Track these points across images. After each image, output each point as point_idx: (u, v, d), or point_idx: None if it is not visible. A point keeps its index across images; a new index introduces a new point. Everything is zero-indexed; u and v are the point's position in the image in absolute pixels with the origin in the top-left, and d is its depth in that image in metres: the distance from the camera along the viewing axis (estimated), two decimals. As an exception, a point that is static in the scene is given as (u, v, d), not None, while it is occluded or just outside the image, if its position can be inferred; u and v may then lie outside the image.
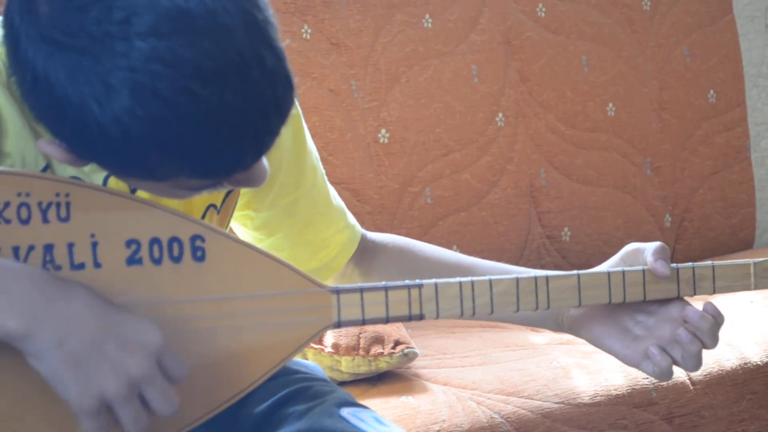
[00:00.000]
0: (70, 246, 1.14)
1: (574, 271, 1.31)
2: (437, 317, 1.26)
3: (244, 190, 1.36)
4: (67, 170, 1.19)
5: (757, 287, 1.37)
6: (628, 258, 1.36)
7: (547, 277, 1.30)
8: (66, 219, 1.14)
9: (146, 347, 1.09)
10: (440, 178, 2.59)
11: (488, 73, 2.68)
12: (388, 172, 2.53)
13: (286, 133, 1.33)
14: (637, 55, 2.89)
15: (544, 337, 2.28)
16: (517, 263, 2.48)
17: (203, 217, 1.30)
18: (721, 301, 1.39)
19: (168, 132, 1.03)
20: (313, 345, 1.97)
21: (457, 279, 1.26)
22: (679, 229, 2.93)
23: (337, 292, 1.22)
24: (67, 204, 1.14)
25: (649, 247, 1.34)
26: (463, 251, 2.50)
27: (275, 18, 1.08)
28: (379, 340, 1.98)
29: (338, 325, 1.22)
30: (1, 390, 1.13)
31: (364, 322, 1.23)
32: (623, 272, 1.33)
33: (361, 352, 1.97)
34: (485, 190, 2.65)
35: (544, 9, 2.77)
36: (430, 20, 2.62)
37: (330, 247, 1.43)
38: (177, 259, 1.17)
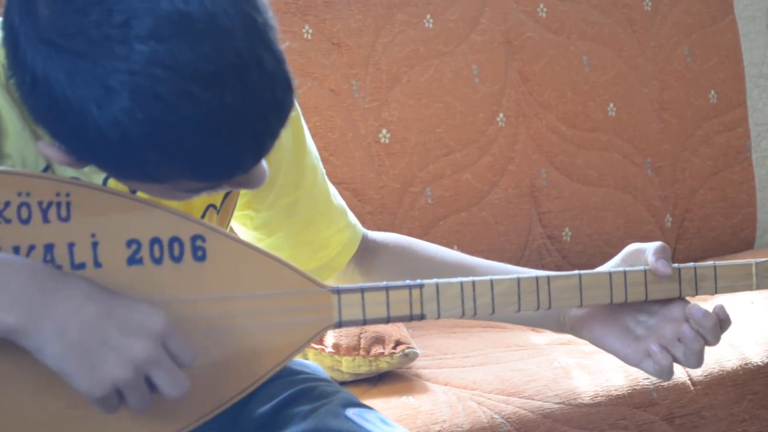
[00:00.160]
0: (71, 246, 1.14)
1: (576, 271, 1.31)
2: (438, 317, 1.26)
3: (243, 191, 1.36)
4: (66, 171, 1.19)
5: (759, 287, 1.37)
6: (629, 258, 1.36)
7: (548, 277, 1.30)
8: (66, 219, 1.14)
9: (149, 330, 1.09)
10: (441, 178, 2.59)
11: (489, 73, 2.68)
12: (388, 172, 2.53)
13: (285, 133, 1.33)
14: (638, 56, 2.89)
15: (544, 338, 2.28)
16: (517, 263, 2.48)
17: (203, 217, 1.30)
18: (722, 302, 1.39)
19: (167, 135, 1.03)
20: (313, 345, 1.97)
21: (458, 279, 1.26)
22: (680, 229, 2.93)
23: (338, 291, 1.22)
24: (68, 204, 1.14)
25: (650, 247, 1.34)
26: (463, 251, 2.50)
27: (275, 20, 1.08)
28: (379, 340, 1.98)
29: (339, 325, 1.22)
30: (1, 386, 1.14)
31: (365, 322, 1.23)
32: (625, 272, 1.33)
33: (362, 352, 1.97)
34: (486, 190, 2.65)
35: (544, 9, 2.77)
36: (430, 20, 2.62)
37: (330, 247, 1.43)
38: (178, 259, 1.17)
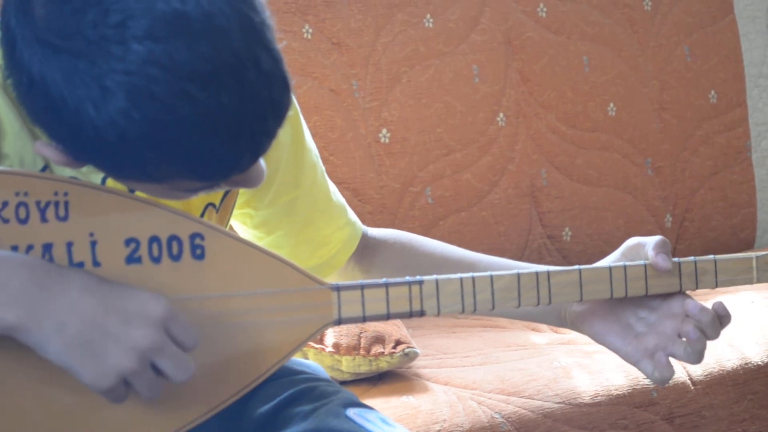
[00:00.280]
0: (69, 245, 1.14)
1: (576, 266, 1.31)
2: (438, 314, 1.26)
3: (243, 189, 1.36)
4: (65, 171, 1.19)
5: (759, 281, 1.37)
6: (629, 253, 1.35)
7: (548, 272, 1.30)
8: (64, 218, 1.14)
9: (149, 318, 1.09)
10: (441, 178, 2.59)
11: (489, 73, 2.68)
12: (389, 171, 2.53)
13: (284, 132, 1.33)
14: (638, 55, 2.89)
15: (544, 337, 2.28)
16: (517, 263, 2.48)
17: (202, 216, 1.30)
18: (722, 301, 1.39)
19: (164, 134, 1.03)
20: (313, 345, 1.97)
21: (458, 275, 1.26)
22: (680, 229, 2.93)
23: (338, 289, 1.22)
24: (66, 203, 1.14)
25: (650, 242, 1.34)
26: (463, 251, 2.50)
27: (272, 20, 1.08)
28: (379, 339, 1.98)
29: (339, 322, 1.22)
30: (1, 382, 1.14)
31: (364, 319, 1.23)
32: (625, 267, 1.32)
33: (362, 351, 1.97)
34: (486, 190, 2.65)
35: (545, 9, 2.77)
36: (431, 20, 2.62)
37: (330, 245, 1.43)
38: (176, 258, 1.17)
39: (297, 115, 1.37)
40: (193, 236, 1.18)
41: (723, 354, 2.12)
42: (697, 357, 1.33)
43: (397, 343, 1.99)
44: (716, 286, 1.36)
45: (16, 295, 1.06)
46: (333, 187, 1.44)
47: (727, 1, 3.04)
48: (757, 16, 3.08)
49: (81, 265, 1.15)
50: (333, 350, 1.96)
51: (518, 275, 1.28)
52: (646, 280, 1.33)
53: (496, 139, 2.67)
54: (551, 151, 2.74)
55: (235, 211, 1.38)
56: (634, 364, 1.35)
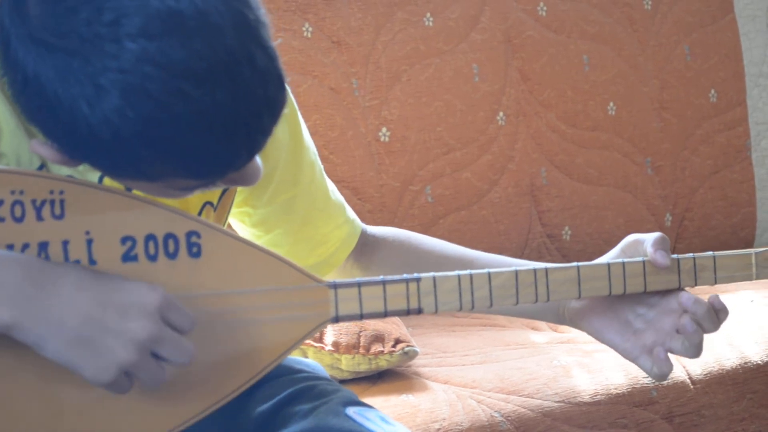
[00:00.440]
0: (65, 243, 1.14)
1: (574, 263, 1.31)
2: (436, 311, 1.26)
3: (240, 187, 1.36)
4: (62, 169, 1.18)
5: (758, 277, 1.36)
6: (628, 249, 1.35)
7: (546, 270, 1.29)
8: (60, 216, 1.14)
9: (146, 309, 1.09)
10: (441, 177, 2.59)
11: (489, 71, 2.68)
12: (388, 170, 2.53)
13: (282, 130, 1.33)
14: (638, 54, 2.89)
15: (544, 336, 2.28)
16: (517, 262, 2.48)
17: (200, 214, 1.30)
18: (722, 300, 1.39)
19: (159, 133, 1.03)
20: (313, 343, 1.97)
21: (456, 272, 1.26)
22: (680, 228, 2.92)
23: (335, 286, 1.22)
24: (62, 201, 1.14)
25: (649, 238, 1.34)
26: (463, 250, 2.50)
27: (267, 17, 1.08)
28: (379, 338, 1.98)
29: (336, 320, 1.22)
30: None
31: (362, 317, 1.23)
32: (623, 264, 1.32)
33: (362, 350, 1.97)
34: (486, 189, 2.65)
35: (545, 8, 2.77)
36: (431, 19, 2.62)
37: (329, 243, 1.43)
38: (173, 256, 1.17)
39: (295, 113, 1.36)
40: (190, 234, 1.18)
41: (722, 353, 2.12)
42: (694, 351, 1.33)
43: (397, 341, 1.99)
44: (715, 283, 1.35)
45: (11, 293, 1.06)
46: (331, 186, 1.44)
47: (727, 0, 3.04)
48: (757, 15, 3.08)
49: (77, 263, 1.14)
50: (332, 349, 1.96)
51: (516, 272, 1.28)
52: (645, 277, 1.32)
53: (496, 137, 2.67)
54: (551, 150, 2.74)
55: (234, 210, 1.38)
56: (633, 360, 1.35)
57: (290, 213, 1.39)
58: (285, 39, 2.40)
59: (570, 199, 2.76)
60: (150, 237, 1.16)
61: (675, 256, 1.34)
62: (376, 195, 2.51)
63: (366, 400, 1.37)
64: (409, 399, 1.89)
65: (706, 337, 1.34)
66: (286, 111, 1.09)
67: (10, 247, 1.12)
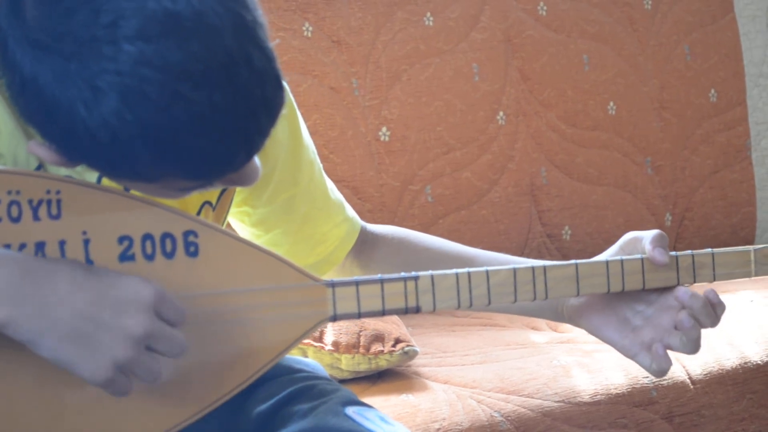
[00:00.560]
0: (62, 243, 1.14)
1: (573, 261, 1.31)
2: (434, 309, 1.25)
3: (239, 187, 1.36)
4: (60, 170, 1.18)
5: (757, 274, 1.36)
6: (627, 247, 1.35)
7: (544, 267, 1.29)
8: (57, 216, 1.14)
9: (141, 304, 1.09)
10: (441, 177, 2.59)
11: (489, 71, 2.68)
12: (388, 170, 2.53)
13: (281, 130, 1.33)
14: (638, 54, 2.89)
15: (544, 336, 2.28)
16: (517, 262, 2.47)
17: (198, 214, 1.29)
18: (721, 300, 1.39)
19: (157, 135, 1.03)
20: (313, 343, 1.97)
21: (454, 270, 1.26)
22: (680, 228, 2.92)
23: (333, 285, 1.22)
24: (58, 201, 1.14)
25: (648, 236, 1.34)
26: (463, 250, 2.50)
27: (264, 18, 1.08)
28: (379, 338, 1.98)
29: (334, 318, 1.22)
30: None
31: (360, 316, 1.23)
32: (622, 261, 1.32)
33: (362, 350, 1.97)
34: (486, 189, 2.65)
35: (545, 7, 2.77)
36: (431, 18, 2.62)
37: (328, 242, 1.43)
38: (170, 255, 1.17)
39: (294, 112, 1.36)
40: (187, 234, 1.17)
41: (722, 353, 2.12)
42: (693, 346, 1.33)
43: (397, 341, 1.99)
44: (714, 280, 1.35)
45: (6, 291, 1.06)
46: (331, 185, 1.44)
47: (727, 0, 3.04)
48: (757, 15, 3.08)
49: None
50: (332, 348, 1.96)
51: (514, 270, 1.28)
52: (644, 274, 1.32)
53: (496, 137, 2.67)
54: (551, 149, 2.74)
55: (233, 209, 1.38)
56: (632, 357, 1.35)
57: (290, 212, 1.39)
58: (285, 38, 2.40)
59: (570, 198, 2.76)
60: (147, 236, 1.16)
61: (673, 253, 1.33)
62: (376, 194, 2.51)
63: (366, 399, 1.37)
64: (409, 399, 1.89)
65: (706, 337, 1.34)
66: (284, 111, 1.09)
67: (7, 247, 1.12)
